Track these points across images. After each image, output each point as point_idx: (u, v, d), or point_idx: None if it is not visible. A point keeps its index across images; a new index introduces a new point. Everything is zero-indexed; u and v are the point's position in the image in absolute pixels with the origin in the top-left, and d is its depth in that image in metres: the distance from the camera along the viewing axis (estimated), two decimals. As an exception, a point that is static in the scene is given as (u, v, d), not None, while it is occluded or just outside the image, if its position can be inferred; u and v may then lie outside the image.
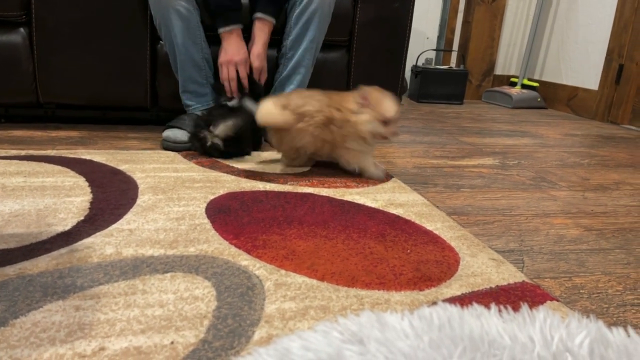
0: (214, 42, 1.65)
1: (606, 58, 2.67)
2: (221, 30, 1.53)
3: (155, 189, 1.16)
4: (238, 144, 1.46)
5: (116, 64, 1.67)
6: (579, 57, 2.87)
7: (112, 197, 1.08)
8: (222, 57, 1.55)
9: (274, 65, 1.72)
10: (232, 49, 1.54)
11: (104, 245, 0.86)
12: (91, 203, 1.04)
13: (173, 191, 1.15)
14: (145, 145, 1.55)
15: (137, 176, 1.23)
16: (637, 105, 2.52)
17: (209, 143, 1.43)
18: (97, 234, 0.90)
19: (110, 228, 0.93)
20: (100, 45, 1.64)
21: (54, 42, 1.61)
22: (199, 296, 0.72)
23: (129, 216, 0.99)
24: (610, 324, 0.75)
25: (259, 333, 0.65)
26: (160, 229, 0.94)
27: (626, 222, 1.18)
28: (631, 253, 1.01)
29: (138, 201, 1.07)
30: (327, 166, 1.45)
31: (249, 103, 1.50)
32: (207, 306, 0.70)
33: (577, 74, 2.89)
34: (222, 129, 1.41)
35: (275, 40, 1.69)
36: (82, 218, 0.96)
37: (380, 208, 1.13)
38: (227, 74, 1.55)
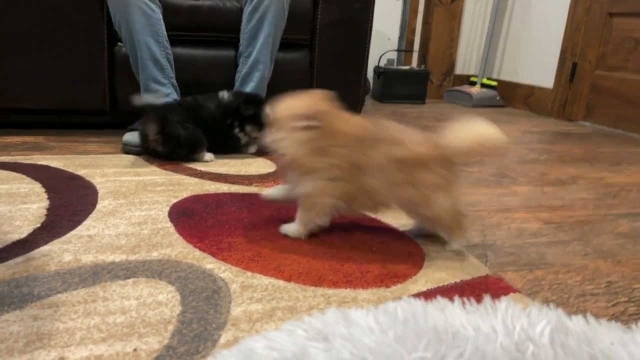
0: (176, 42, 1.62)
1: (560, 57, 2.76)
2: None
3: (116, 193, 1.12)
4: (181, 150, 1.42)
5: (72, 66, 1.61)
6: (535, 57, 2.96)
7: (70, 203, 1.05)
8: None
9: (233, 64, 1.70)
10: None
11: (62, 252, 0.83)
12: (48, 210, 1.01)
13: (134, 195, 1.12)
14: (105, 150, 1.51)
15: (97, 181, 1.20)
16: (591, 102, 2.62)
17: (149, 146, 1.42)
18: (55, 241, 0.87)
19: (68, 235, 0.90)
20: (56, 47, 1.58)
21: (6, 44, 1.54)
22: (162, 301, 0.71)
23: (88, 222, 0.96)
24: (571, 314, 0.78)
25: (225, 336, 0.64)
26: (121, 234, 0.92)
27: (583, 215, 1.23)
28: (589, 244, 1.05)
29: (98, 206, 1.04)
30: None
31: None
32: (171, 311, 0.68)
33: (533, 73, 2.98)
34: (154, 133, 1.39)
35: (233, 39, 1.68)
36: (38, 225, 0.93)
37: (346, 207, 1.14)
38: None
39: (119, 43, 1.63)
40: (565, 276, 0.89)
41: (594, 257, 0.98)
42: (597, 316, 0.81)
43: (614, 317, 0.78)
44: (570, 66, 2.70)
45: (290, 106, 0.90)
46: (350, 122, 0.91)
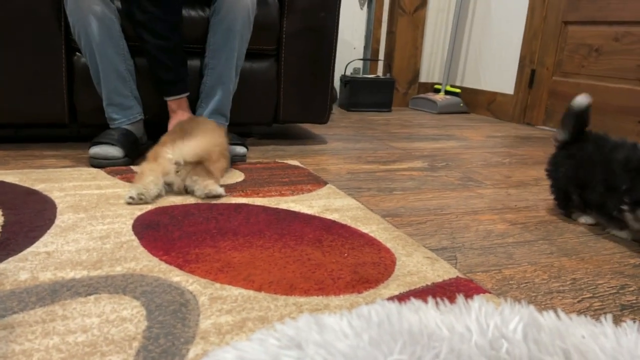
0: (138, 53, 1.59)
1: (519, 64, 2.84)
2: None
3: (76, 207, 1.08)
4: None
5: (28, 76, 1.55)
6: (495, 64, 3.04)
7: (27, 219, 1.00)
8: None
9: (198, 75, 1.68)
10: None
11: (17, 270, 0.79)
12: (2, 227, 0.96)
13: (96, 209, 1.08)
14: (64, 163, 1.46)
15: (55, 195, 1.15)
16: (549, 107, 2.70)
17: None
18: (10, 259, 0.82)
19: (24, 252, 0.85)
20: (8, 56, 1.52)
21: (-45, 56, 1.48)
22: (127, 317, 0.68)
23: (46, 238, 0.91)
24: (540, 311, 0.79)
25: (194, 350, 0.61)
26: (82, 249, 0.88)
27: (547, 215, 1.25)
28: (553, 243, 1.07)
29: (56, 222, 1.00)
30: (260, 176, 1.43)
31: None
32: (136, 327, 0.65)
33: (494, 79, 3.05)
34: None
35: (199, 49, 1.66)
36: (-8, 243, 0.88)
37: (316, 214, 1.13)
38: None
39: (78, 53, 1.58)
40: (532, 275, 0.91)
41: (559, 256, 1.00)
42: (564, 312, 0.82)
43: (581, 313, 0.79)
44: (529, 73, 2.78)
45: None
46: None
